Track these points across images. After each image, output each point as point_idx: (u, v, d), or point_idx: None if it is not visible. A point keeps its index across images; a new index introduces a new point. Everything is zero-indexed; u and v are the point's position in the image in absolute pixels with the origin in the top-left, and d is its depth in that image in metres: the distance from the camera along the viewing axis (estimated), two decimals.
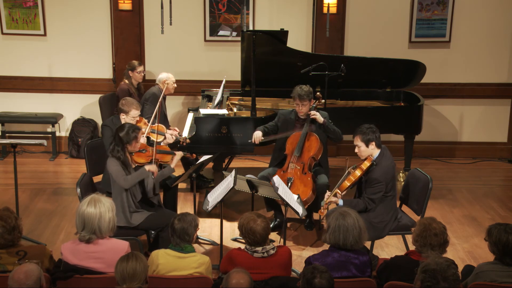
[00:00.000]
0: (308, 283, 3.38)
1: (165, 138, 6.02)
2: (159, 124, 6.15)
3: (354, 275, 3.96)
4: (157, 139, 5.87)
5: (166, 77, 7.22)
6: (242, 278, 3.42)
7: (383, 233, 5.21)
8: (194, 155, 5.84)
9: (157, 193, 5.31)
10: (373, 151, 5.17)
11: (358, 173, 5.16)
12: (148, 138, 5.82)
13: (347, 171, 5.21)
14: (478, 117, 8.61)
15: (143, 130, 5.81)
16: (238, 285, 3.39)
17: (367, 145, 5.15)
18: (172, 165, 5.37)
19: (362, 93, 7.67)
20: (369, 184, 5.13)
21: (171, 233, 4.07)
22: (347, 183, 5.17)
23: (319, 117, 5.87)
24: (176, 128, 6.69)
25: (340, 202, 5.15)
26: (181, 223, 4.06)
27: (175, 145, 6.20)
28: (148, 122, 6.02)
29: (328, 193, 5.26)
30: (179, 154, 5.45)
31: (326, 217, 4.36)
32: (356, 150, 5.23)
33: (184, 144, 6.15)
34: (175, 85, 7.33)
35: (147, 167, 5.14)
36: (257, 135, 6.06)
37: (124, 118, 5.87)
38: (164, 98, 7.37)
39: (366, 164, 5.16)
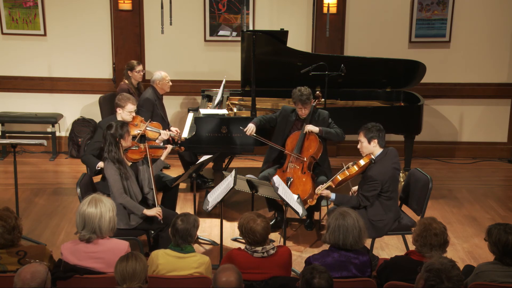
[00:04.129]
0: (307, 283, 3.38)
1: (160, 134, 6.04)
2: (154, 122, 6.24)
3: (354, 275, 3.96)
4: (153, 136, 5.99)
5: (160, 78, 7.24)
6: (231, 276, 3.43)
7: (381, 232, 5.21)
8: (182, 148, 5.87)
9: (152, 187, 5.28)
10: (375, 149, 5.18)
11: (354, 168, 5.17)
12: (143, 136, 5.83)
13: (344, 167, 5.23)
14: (478, 117, 8.61)
15: (140, 128, 5.85)
16: (228, 283, 3.40)
17: (369, 142, 5.17)
18: (163, 158, 5.44)
19: (362, 93, 7.67)
20: (365, 181, 5.16)
21: (173, 233, 4.06)
22: (340, 177, 5.19)
23: (313, 129, 5.85)
24: (178, 129, 6.70)
25: (332, 196, 5.18)
26: (184, 224, 4.05)
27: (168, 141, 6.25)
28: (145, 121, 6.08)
29: (320, 186, 5.27)
30: (169, 147, 5.52)
31: (326, 215, 4.37)
32: (358, 146, 5.26)
33: (179, 141, 6.21)
34: (170, 83, 7.38)
35: (147, 212, 5.05)
36: (251, 128, 6.01)
37: (120, 113, 5.90)
38: (160, 98, 7.40)
39: (364, 161, 5.17)
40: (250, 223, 4.04)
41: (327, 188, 5.24)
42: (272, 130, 6.21)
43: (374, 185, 5.10)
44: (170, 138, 6.32)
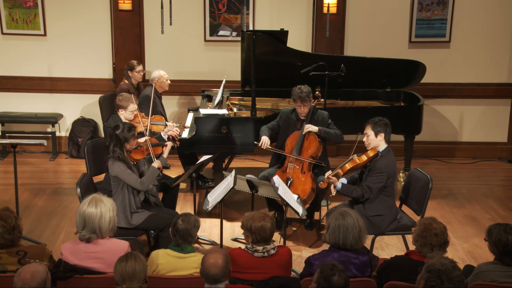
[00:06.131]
0: (325, 279, 3.36)
1: (166, 126, 6.03)
2: (155, 115, 6.28)
3: (354, 275, 3.96)
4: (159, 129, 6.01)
5: (158, 75, 7.30)
6: (219, 258, 3.51)
7: (379, 230, 5.21)
8: (177, 142, 5.85)
9: (156, 184, 5.30)
10: (381, 143, 5.20)
11: (364, 157, 5.18)
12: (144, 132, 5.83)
13: (351, 156, 5.23)
14: (478, 117, 8.61)
15: (144, 123, 5.86)
16: (215, 265, 3.49)
17: (376, 135, 5.19)
18: (165, 155, 5.39)
19: (362, 93, 7.67)
20: (371, 173, 5.15)
21: (174, 232, 4.06)
22: (349, 165, 5.19)
23: (313, 129, 5.85)
24: (178, 129, 6.69)
25: (339, 185, 5.16)
26: (185, 224, 4.05)
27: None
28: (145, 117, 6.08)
29: (329, 171, 5.26)
30: (169, 143, 5.51)
31: (326, 216, 4.36)
32: (364, 139, 5.27)
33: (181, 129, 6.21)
34: (169, 81, 7.41)
35: (155, 164, 5.16)
36: (266, 142, 5.98)
37: (122, 114, 5.92)
38: (160, 97, 7.41)
39: (371, 153, 5.18)
40: (260, 221, 4.03)
41: (334, 176, 5.22)
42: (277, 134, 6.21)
43: (381, 177, 5.12)
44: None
